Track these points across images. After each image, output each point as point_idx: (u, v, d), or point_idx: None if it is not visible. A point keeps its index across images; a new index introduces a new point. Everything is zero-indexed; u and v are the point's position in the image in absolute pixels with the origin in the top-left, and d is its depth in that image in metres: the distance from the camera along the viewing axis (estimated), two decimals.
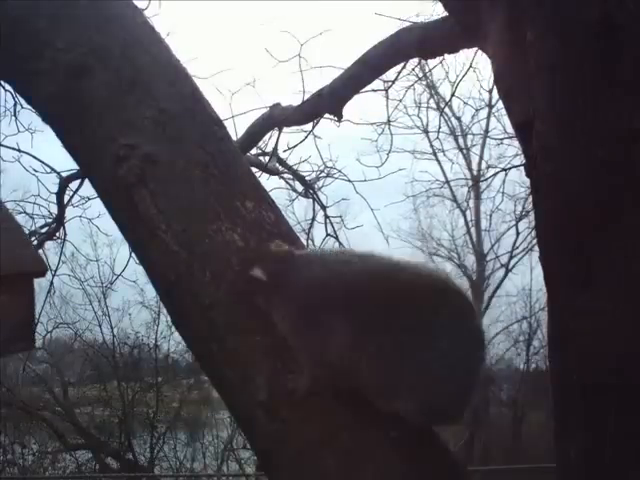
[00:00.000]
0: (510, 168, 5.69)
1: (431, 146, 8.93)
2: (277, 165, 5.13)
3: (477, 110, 8.97)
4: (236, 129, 4.35)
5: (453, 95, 5.38)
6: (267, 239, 1.24)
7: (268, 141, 4.74)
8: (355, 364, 1.11)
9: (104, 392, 10.91)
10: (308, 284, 1.15)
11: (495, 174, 7.65)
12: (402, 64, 3.94)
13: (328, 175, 5.47)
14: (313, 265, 1.18)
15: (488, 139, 10.94)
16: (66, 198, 5.08)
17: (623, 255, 1.11)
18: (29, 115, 4.44)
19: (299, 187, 5.58)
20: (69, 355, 11.89)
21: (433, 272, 1.20)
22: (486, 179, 11.43)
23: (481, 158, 12.16)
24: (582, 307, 1.14)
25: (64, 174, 4.93)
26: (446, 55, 3.28)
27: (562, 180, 1.17)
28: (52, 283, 6.01)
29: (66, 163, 4.50)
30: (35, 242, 5.01)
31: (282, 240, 1.24)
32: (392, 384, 1.11)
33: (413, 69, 4.88)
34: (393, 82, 4.34)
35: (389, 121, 4.79)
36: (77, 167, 1.69)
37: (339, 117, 3.71)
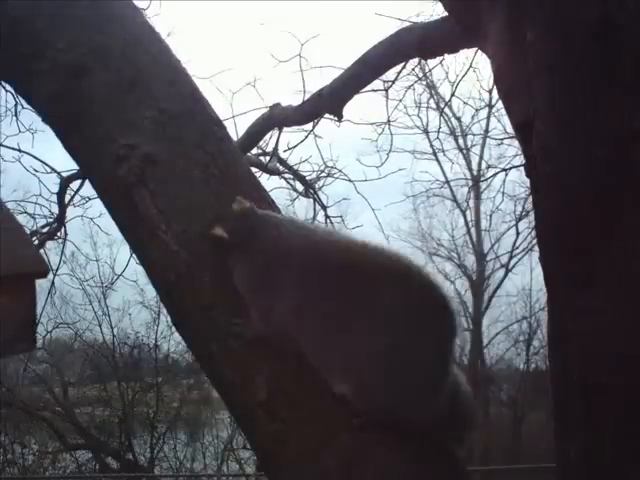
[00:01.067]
0: (510, 168, 5.69)
1: (431, 146, 8.92)
2: (277, 165, 5.13)
3: (477, 110, 8.97)
4: (236, 129, 4.36)
5: (453, 95, 5.38)
6: None
7: (268, 141, 4.75)
8: (297, 332, 1.12)
9: (104, 392, 10.92)
10: (267, 243, 1.15)
11: (495, 174, 7.64)
12: (402, 64, 3.94)
13: (328, 175, 5.48)
14: (275, 225, 1.17)
15: (488, 139, 10.94)
16: (67, 198, 5.09)
17: (623, 255, 1.11)
18: (30, 115, 4.44)
19: (299, 187, 5.59)
20: (69, 355, 11.89)
21: (398, 256, 1.16)
22: (486, 179, 11.43)
23: (481, 158, 12.18)
24: (582, 307, 1.14)
25: (65, 174, 4.93)
26: (446, 55, 3.28)
27: (562, 180, 1.17)
28: (53, 283, 6.02)
29: (67, 163, 4.50)
30: (36, 242, 5.01)
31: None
32: (329, 361, 1.11)
33: (413, 69, 4.89)
34: (393, 82, 4.34)
35: (389, 121, 4.79)
36: (77, 167, 1.69)
37: (339, 117, 3.71)
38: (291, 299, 1.12)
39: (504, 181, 6.50)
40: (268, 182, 5.08)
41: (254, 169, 3.95)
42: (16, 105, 4.55)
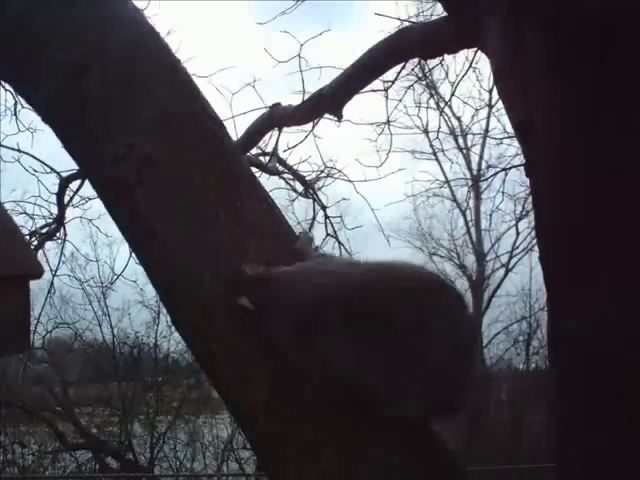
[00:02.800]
0: (510, 168, 5.69)
1: (431, 146, 8.93)
2: (277, 165, 5.12)
3: (477, 110, 8.98)
4: (236, 129, 4.35)
5: (453, 95, 5.38)
6: (267, 239, 1.24)
7: (268, 141, 4.74)
8: (356, 375, 1.11)
9: (104, 392, 10.92)
10: (297, 305, 1.13)
11: (495, 174, 7.64)
12: (402, 64, 3.93)
13: (328, 175, 5.48)
14: (297, 283, 1.15)
15: (488, 139, 10.95)
16: (66, 198, 5.09)
17: (623, 255, 1.11)
18: (29, 115, 4.44)
19: (299, 187, 5.59)
20: (69, 355, 11.89)
21: (423, 273, 1.17)
22: (486, 179, 11.44)
23: (481, 158, 12.18)
24: (582, 307, 1.14)
25: (64, 174, 4.93)
26: (446, 55, 3.27)
27: (562, 180, 1.17)
28: (52, 283, 6.02)
29: (66, 163, 4.50)
30: (35, 242, 5.02)
31: (280, 240, 1.24)
32: (392, 388, 1.11)
33: (413, 69, 4.89)
34: (393, 82, 4.34)
35: (389, 121, 4.79)
36: (77, 167, 1.69)
37: (339, 117, 3.71)
38: (340, 349, 1.11)
39: (504, 181, 6.49)
40: (268, 182, 5.08)
41: (254, 169, 3.95)
42: (15, 104, 4.56)
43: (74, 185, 5.02)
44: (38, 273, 1.40)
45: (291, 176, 5.45)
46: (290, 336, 1.14)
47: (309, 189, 5.47)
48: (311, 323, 1.12)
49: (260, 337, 1.15)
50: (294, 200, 5.88)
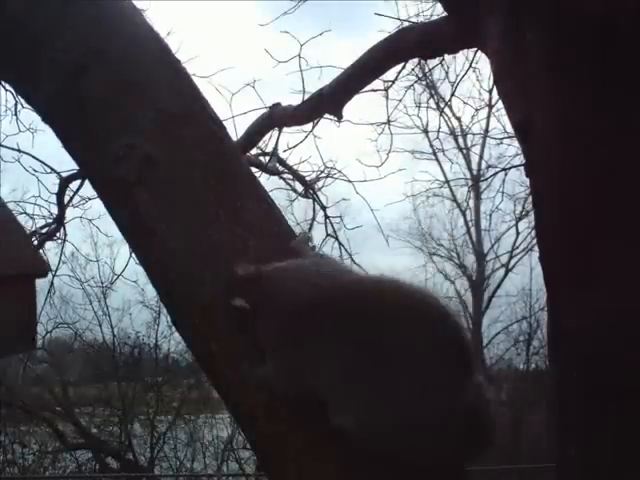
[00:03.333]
0: (510, 168, 5.70)
1: (431, 146, 8.94)
2: (277, 165, 5.13)
3: (477, 110, 8.97)
4: (236, 129, 4.35)
5: (453, 95, 5.37)
6: (267, 239, 1.24)
7: (268, 141, 4.74)
8: (319, 379, 1.09)
9: (104, 392, 10.92)
10: (287, 300, 1.12)
11: (495, 174, 7.64)
12: (402, 64, 3.93)
13: (328, 175, 5.48)
14: (288, 280, 1.14)
15: (488, 139, 10.95)
16: (66, 199, 5.09)
17: (623, 255, 1.11)
18: (29, 115, 4.45)
19: (299, 187, 5.59)
20: (69, 355, 11.89)
21: (415, 292, 1.12)
22: (486, 179, 11.44)
23: (481, 158, 12.18)
24: (582, 307, 1.14)
25: (64, 174, 4.93)
26: (446, 55, 3.28)
27: (562, 180, 1.17)
28: (52, 283, 6.03)
29: (66, 163, 4.50)
30: (35, 242, 5.01)
31: (280, 240, 1.24)
32: (344, 397, 1.08)
33: (413, 69, 4.90)
34: (393, 82, 4.34)
35: (389, 121, 4.79)
36: (77, 167, 1.69)
37: (339, 117, 3.71)
38: (325, 353, 1.09)
39: (504, 181, 6.50)
40: (268, 182, 5.09)
41: (254, 169, 3.95)
42: (16, 104, 4.56)
43: (74, 185, 5.03)
44: (44, 272, 1.41)
45: (291, 176, 5.46)
46: (279, 334, 1.13)
47: (309, 189, 5.48)
48: (300, 321, 1.11)
49: (255, 337, 1.15)
50: (294, 200, 5.89)
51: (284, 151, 5.00)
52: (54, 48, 1.30)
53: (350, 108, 3.65)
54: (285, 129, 4.39)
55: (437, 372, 1.06)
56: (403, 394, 1.04)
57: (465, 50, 3.16)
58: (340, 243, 5.56)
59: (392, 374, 1.05)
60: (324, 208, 5.50)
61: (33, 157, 5.00)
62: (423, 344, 1.06)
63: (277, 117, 4.06)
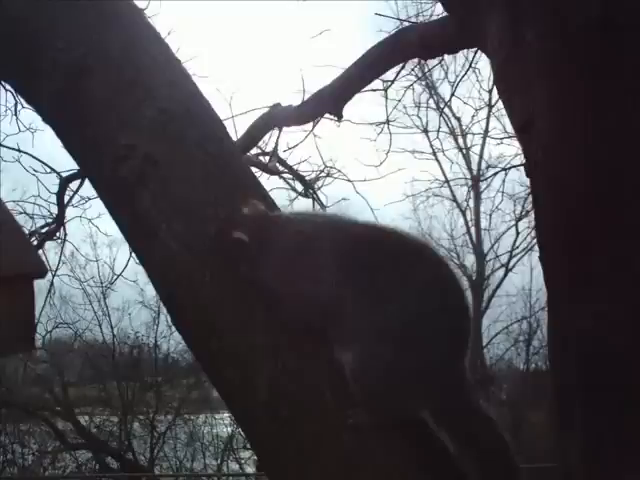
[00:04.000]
0: (510, 168, 5.72)
1: (431, 146, 8.96)
2: (277, 165, 5.13)
3: (477, 110, 8.99)
4: (236, 129, 4.35)
5: (453, 95, 5.38)
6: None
7: (268, 141, 4.74)
8: (338, 308, 1.13)
9: (104, 392, 10.92)
10: (290, 236, 1.18)
11: (495, 174, 7.67)
12: (402, 64, 3.93)
13: (328, 175, 5.49)
14: (294, 222, 1.21)
15: (488, 139, 10.96)
16: (66, 198, 5.09)
17: (623, 255, 1.11)
18: (29, 115, 4.45)
19: (299, 187, 5.60)
20: (69, 355, 11.89)
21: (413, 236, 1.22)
22: (486, 179, 11.46)
23: (481, 158, 12.19)
24: (582, 307, 1.14)
25: (64, 174, 4.93)
26: (446, 55, 3.28)
27: (562, 180, 1.17)
28: (52, 283, 6.03)
29: (66, 163, 4.50)
30: (35, 242, 5.01)
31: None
32: (349, 332, 1.12)
33: (413, 69, 4.90)
34: (393, 82, 4.34)
35: (388, 121, 4.79)
36: (77, 167, 1.69)
37: (339, 117, 3.71)
38: (330, 282, 1.14)
39: (504, 181, 6.55)
40: (268, 182, 5.09)
41: (254, 169, 3.95)
42: (16, 104, 4.56)
43: (74, 185, 5.03)
44: (42, 272, 1.41)
45: (291, 176, 5.46)
46: (281, 268, 1.16)
47: (309, 189, 5.48)
48: (307, 255, 1.16)
49: (250, 275, 1.18)
50: (294, 200, 5.88)
51: (284, 151, 5.01)
52: (55, 48, 1.30)
53: (350, 108, 3.66)
54: (285, 129, 4.39)
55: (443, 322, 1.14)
56: (407, 340, 1.10)
57: (465, 50, 3.16)
58: None
59: (398, 316, 1.10)
60: (324, 208, 5.50)
61: (33, 157, 5.01)
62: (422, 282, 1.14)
63: (277, 117, 4.06)
